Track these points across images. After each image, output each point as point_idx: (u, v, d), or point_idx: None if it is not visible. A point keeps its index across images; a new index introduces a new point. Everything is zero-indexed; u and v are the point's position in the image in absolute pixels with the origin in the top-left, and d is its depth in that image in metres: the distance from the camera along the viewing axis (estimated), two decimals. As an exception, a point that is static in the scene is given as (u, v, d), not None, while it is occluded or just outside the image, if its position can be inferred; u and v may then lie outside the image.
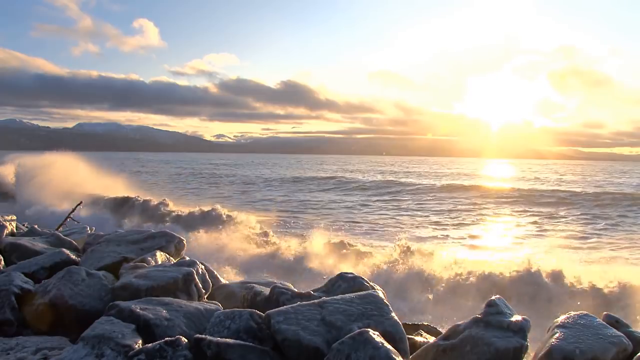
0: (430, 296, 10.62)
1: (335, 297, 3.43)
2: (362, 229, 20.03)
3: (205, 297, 4.31)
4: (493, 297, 3.40)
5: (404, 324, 3.60)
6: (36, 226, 6.64)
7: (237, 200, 30.97)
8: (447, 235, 18.93)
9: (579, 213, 24.62)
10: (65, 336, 3.57)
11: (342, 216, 23.76)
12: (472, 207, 26.64)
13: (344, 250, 13.88)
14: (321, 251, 13.59)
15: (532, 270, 10.83)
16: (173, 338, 2.95)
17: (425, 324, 4.60)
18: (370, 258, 13.01)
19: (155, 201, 22.31)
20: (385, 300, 3.39)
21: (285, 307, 3.29)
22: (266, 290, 4.08)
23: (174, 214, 20.57)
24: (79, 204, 12.31)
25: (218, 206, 19.48)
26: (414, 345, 3.52)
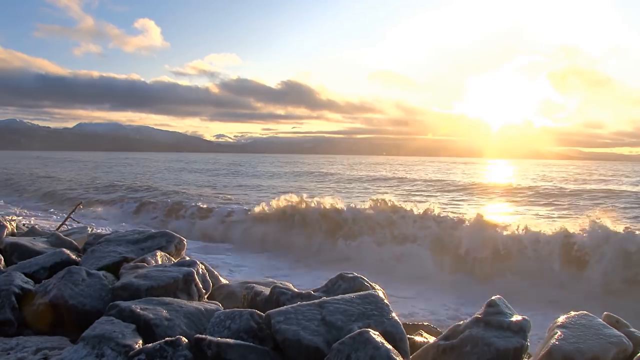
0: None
1: (335, 297, 3.43)
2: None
3: (206, 297, 4.31)
4: (493, 297, 3.40)
5: (404, 324, 3.61)
6: (37, 226, 6.64)
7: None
8: None
9: None
10: (65, 336, 3.57)
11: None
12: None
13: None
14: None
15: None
16: (173, 338, 2.95)
17: (426, 323, 4.61)
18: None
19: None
20: (385, 300, 3.39)
21: (285, 307, 3.29)
22: (266, 290, 4.08)
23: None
24: (79, 204, 12.31)
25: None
26: (414, 345, 3.52)
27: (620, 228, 10.75)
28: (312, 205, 15.56)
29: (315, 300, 3.38)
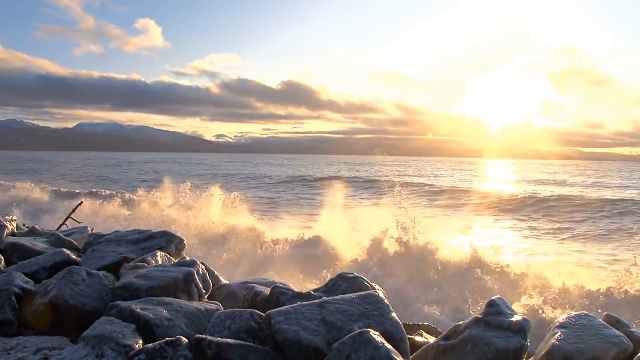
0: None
1: (335, 297, 3.42)
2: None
3: (206, 297, 4.31)
4: (493, 297, 3.40)
5: (404, 324, 3.61)
6: (37, 226, 6.64)
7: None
8: None
9: None
10: (65, 336, 3.57)
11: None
12: None
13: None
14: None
15: None
16: (173, 338, 2.95)
17: (426, 324, 4.61)
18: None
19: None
20: (385, 300, 3.39)
21: (285, 307, 3.29)
22: (266, 290, 4.08)
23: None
24: (79, 204, 12.30)
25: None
26: (414, 345, 3.52)
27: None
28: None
29: (315, 300, 3.38)
